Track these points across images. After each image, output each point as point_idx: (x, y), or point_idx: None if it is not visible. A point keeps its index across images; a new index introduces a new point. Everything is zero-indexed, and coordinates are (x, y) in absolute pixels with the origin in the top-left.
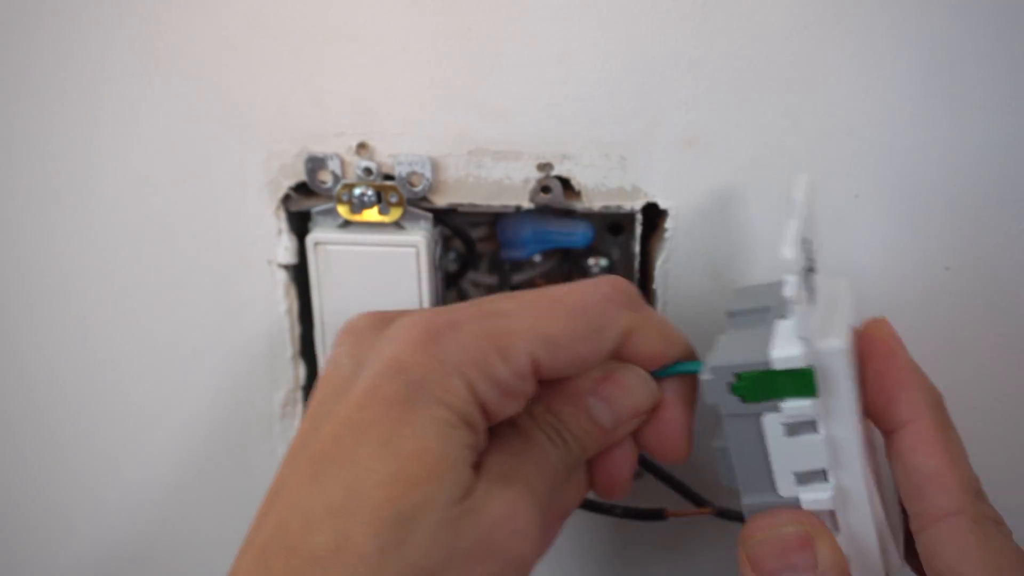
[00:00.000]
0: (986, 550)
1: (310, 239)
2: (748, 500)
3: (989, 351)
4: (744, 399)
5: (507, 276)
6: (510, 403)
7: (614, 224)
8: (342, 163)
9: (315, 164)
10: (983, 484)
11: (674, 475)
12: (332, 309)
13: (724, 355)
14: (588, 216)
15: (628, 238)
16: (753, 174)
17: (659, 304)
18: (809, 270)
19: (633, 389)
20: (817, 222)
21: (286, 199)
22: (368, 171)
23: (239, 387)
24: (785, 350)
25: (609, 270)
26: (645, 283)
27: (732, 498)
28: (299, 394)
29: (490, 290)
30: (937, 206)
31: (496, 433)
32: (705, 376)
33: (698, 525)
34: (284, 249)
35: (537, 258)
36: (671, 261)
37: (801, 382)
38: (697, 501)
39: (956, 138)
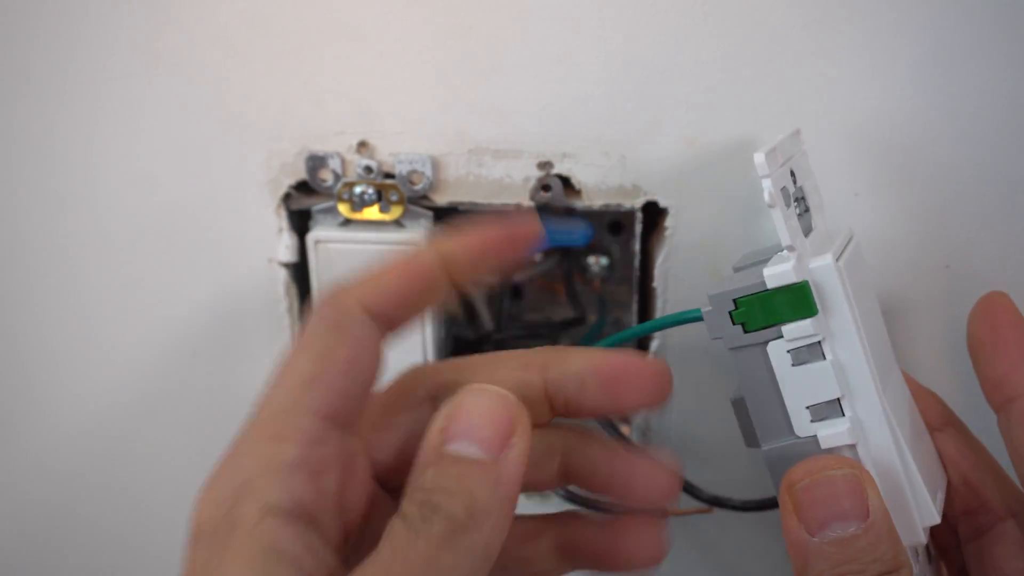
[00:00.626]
0: None
1: (311, 237)
2: (768, 446)
3: None
4: (746, 328)
5: (507, 275)
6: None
7: (614, 223)
8: (343, 161)
9: (316, 162)
10: None
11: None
12: None
13: (722, 287)
14: (588, 215)
15: (628, 237)
16: (753, 173)
17: (659, 303)
18: (805, 210)
19: (479, 406)
20: (812, 175)
21: (287, 197)
22: (368, 169)
23: (239, 386)
24: (777, 267)
25: (609, 268)
26: (645, 281)
27: (730, 488)
28: None
29: (490, 289)
30: (937, 205)
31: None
32: (705, 308)
33: (698, 524)
34: (285, 247)
35: (537, 257)
36: (671, 260)
37: (798, 299)
38: (697, 496)
39: (956, 137)
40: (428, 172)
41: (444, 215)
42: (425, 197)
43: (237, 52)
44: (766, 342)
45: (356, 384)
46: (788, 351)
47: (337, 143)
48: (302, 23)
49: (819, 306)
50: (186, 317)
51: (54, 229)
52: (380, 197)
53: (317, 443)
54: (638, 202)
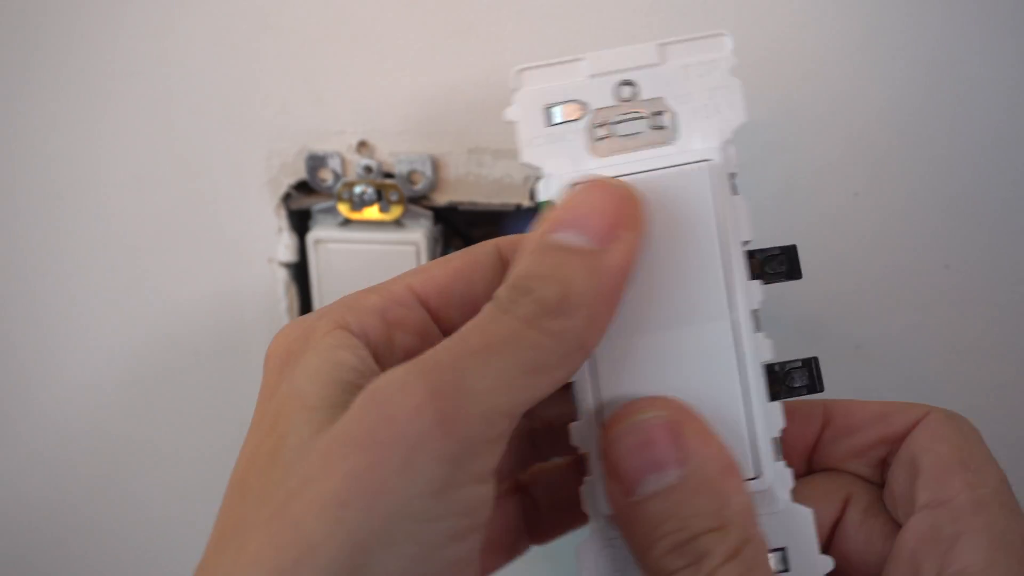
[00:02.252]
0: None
1: (311, 237)
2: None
3: (989, 351)
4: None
5: None
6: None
7: None
8: (343, 161)
9: (316, 162)
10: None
11: None
12: None
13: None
14: None
15: None
16: (753, 172)
17: None
18: (658, 127)
19: (591, 197)
20: (723, 88)
21: (287, 197)
22: (368, 169)
23: (240, 385)
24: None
25: None
26: None
27: None
28: None
29: None
30: (937, 205)
31: None
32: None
33: None
34: (285, 247)
35: None
36: None
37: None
38: None
39: (956, 136)
40: (428, 172)
41: (444, 215)
42: (425, 197)
43: (238, 52)
44: None
45: (455, 291)
46: None
47: (337, 143)
48: (302, 23)
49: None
50: (187, 316)
51: (55, 228)
52: (380, 197)
53: (400, 304)
54: None
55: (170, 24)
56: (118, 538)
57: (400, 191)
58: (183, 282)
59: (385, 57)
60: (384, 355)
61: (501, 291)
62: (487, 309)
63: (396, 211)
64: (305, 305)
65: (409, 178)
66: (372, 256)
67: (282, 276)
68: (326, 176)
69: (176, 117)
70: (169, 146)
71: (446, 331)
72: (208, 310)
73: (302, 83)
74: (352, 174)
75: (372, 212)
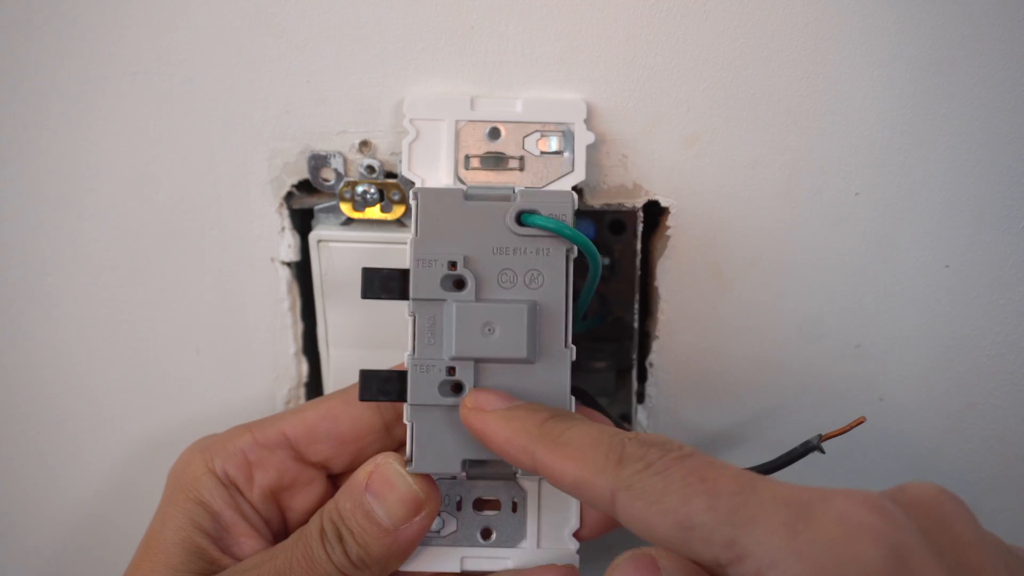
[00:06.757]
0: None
1: (313, 236)
2: None
3: (989, 350)
4: None
5: None
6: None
7: (615, 222)
8: (345, 161)
9: (318, 162)
10: (986, 482)
11: None
12: (334, 306)
13: None
14: (590, 214)
15: (630, 236)
16: (754, 172)
17: (661, 302)
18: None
19: (394, 484)
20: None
21: (289, 197)
22: (370, 169)
23: (242, 384)
24: None
25: (611, 268)
26: (647, 281)
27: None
28: (301, 391)
29: None
30: (937, 204)
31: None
32: None
33: None
34: (287, 246)
35: None
36: (672, 259)
37: None
38: None
39: (956, 136)
40: None
41: None
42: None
43: (240, 51)
44: None
45: (321, 429)
46: None
47: (339, 142)
48: (304, 22)
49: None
50: (189, 315)
51: (57, 227)
52: (382, 196)
53: (264, 446)
54: (639, 201)
55: (172, 24)
56: (114, 533)
57: (402, 191)
58: (186, 281)
59: (387, 55)
60: (245, 489)
61: (314, 527)
62: (297, 540)
63: (398, 211)
64: (307, 304)
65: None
66: (374, 255)
67: (284, 275)
68: (328, 176)
69: (178, 117)
70: (171, 146)
71: (311, 463)
72: (211, 308)
73: (304, 83)
74: (354, 174)
75: (374, 212)
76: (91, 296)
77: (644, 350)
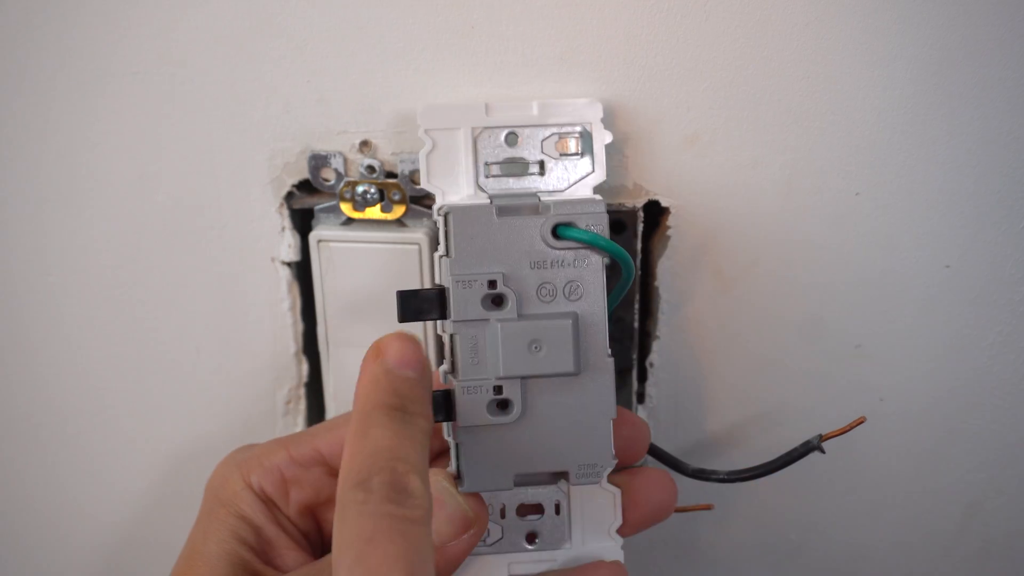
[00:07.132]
0: None
1: (313, 236)
2: None
3: (989, 350)
4: None
5: None
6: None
7: (616, 222)
8: (345, 161)
9: (318, 162)
10: (986, 482)
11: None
12: (335, 306)
13: None
14: None
15: (630, 236)
16: (754, 171)
17: (661, 302)
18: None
19: (443, 502)
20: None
21: (289, 196)
22: (371, 169)
23: (242, 384)
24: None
25: (611, 268)
26: (647, 281)
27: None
28: (302, 391)
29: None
30: (937, 204)
31: None
32: None
33: (699, 521)
34: (287, 246)
35: None
36: (673, 259)
37: None
38: (681, 470)
39: (956, 136)
40: None
41: None
42: (427, 196)
43: (240, 51)
44: None
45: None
46: None
47: (340, 142)
48: (304, 22)
49: None
50: (190, 314)
51: (57, 227)
52: (382, 196)
53: (299, 464)
54: (640, 201)
55: (173, 23)
56: (114, 532)
57: (402, 190)
58: (186, 280)
59: (387, 55)
60: (282, 505)
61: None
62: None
63: (398, 211)
64: (308, 304)
65: (411, 178)
66: (374, 255)
67: (285, 275)
68: (329, 176)
69: (179, 117)
70: (172, 146)
71: None
72: (211, 308)
73: (305, 83)
74: (354, 173)
75: (374, 211)
76: (92, 296)
77: (644, 350)
